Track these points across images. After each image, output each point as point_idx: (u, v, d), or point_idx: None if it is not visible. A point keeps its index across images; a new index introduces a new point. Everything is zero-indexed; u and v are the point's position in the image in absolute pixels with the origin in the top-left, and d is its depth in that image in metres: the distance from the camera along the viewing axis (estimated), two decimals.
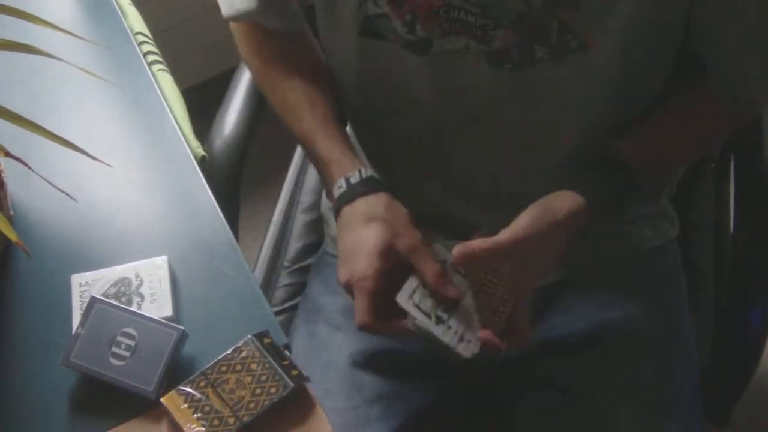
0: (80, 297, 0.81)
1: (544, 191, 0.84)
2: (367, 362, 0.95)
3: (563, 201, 0.82)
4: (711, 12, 0.80)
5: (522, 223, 0.80)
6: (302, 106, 0.92)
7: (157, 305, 0.80)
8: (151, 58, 1.06)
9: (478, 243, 0.77)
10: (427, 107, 0.90)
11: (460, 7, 0.79)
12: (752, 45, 0.83)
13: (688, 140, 0.92)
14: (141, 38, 1.09)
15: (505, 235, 0.79)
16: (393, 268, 0.81)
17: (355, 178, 0.86)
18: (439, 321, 0.79)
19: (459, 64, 0.84)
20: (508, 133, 0.89)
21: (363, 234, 0.83)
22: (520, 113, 0.87)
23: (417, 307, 0.79)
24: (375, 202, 0.85)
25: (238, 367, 0.75)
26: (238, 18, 0.95)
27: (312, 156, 0.92)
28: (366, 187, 0.86)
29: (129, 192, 0.92)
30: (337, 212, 0.87)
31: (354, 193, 0.86)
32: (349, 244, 0.84)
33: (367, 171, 0.87)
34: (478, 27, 0.80)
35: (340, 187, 0.86)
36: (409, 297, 0.79)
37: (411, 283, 0.80)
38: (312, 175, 1.24)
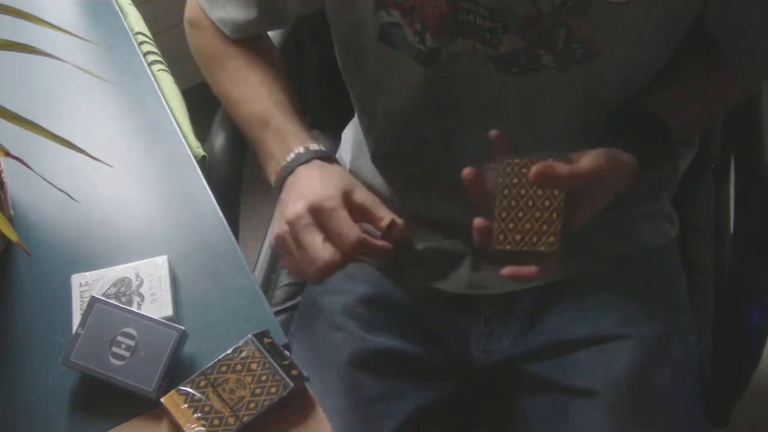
0: (80, 297, 0.81)
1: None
2: (367, 362, 0.95)
3: (625, 155, 0.82)
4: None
5: (599, 157, 0.77)
6: (261, 89, 0.92)
7: (158, 305, 0.80)
8: (151, 58, 1.06)
9: (562, 166, 0.74)
10: (435, 112, 0.90)
11: (468, 9, 0.80)
12: None
13: (713, 95, 0.92)
14: (141, 38, 1.09)
15: (586, 164, 0.76)
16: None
17: (314, 147, 0.87)
18: None
19: (466, 67, 0.84)
20: (513, 137, 0.89)
21: (323, 177, 0.84)
22: (526, 117, 0.87)
23: None
24: (332, 165, 0.87)
25: (239, 367, 0.75)
26: (226, 24, 0.95)
27: (261, 134, 0.90)
28: (324, 155, 0.87)
29: (129, 192, 0.92)
30: (289, 173, 0.86)
31: (311, 155, 0.86)
32: (305, 185, 0.84)
33: (322, 146, 0.88)
34: (486, 30, 0.80)
35: (297, 153, 0.86)
36: None
37: None
38: None
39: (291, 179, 0.86)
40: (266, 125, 0.90)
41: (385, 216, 0.84)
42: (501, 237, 0.77)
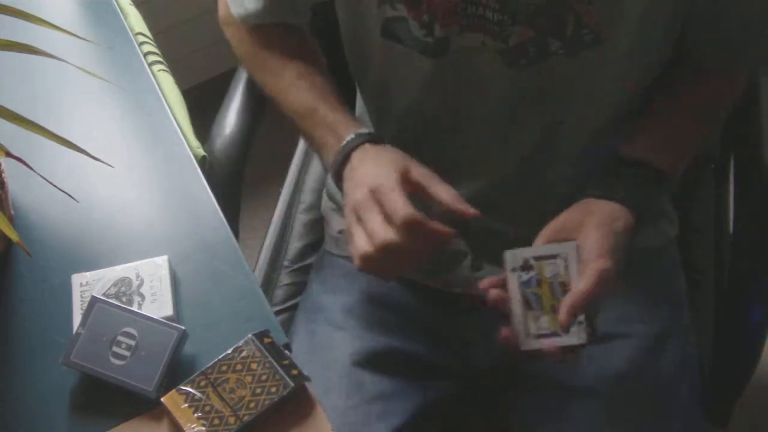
0: (81, 297, 0.81)
1: (557, 191, 0.84)
2: (367, 362, 0.95)
3: (619, 218, 0.82)
4: None
5: (597, 262, 0.78)
6: (300, 81, 0.91)
7: (158, 305, 0.80)
8: (151, 58, 1.06)
9: (575, 301, 0.76)
10: (443, 109, 0.90)
11: (478, 2, 0.80)
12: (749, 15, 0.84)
13: (697, 127, 0.92)
14: (141, 38, 1.09)
15: (588, 282, 0.77)
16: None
17: (363, 131, 0.85)
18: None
19: (475, 62, 0.84)
20: (523, 132, 0.90)
21: (376, 159, 0.82)
22: (535, 110, 0.87)
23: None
24: (384, 146, 0.85)
25: (239, 367, 0.75)
26: (247, 18, 0.94)
27: (311, 125, 0.89)
28: (373, 138, 0.85)
29: (129, 192, 0.92)
30: (343, 161, 0.84)
31: (362, 139, 0.84)
32: (361, 172, 0.82)
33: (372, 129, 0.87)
34: (495, 23, 0.80)
35: (348, 139, 0.85)
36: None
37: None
38: (312, 175, 1.24)
39: (348, 169, 0.84)
40: (312, 116, 0.89)
41: (443, 194, 0.79)
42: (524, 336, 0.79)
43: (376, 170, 0.81)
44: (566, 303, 0.77)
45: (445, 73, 0.86)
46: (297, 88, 0.91)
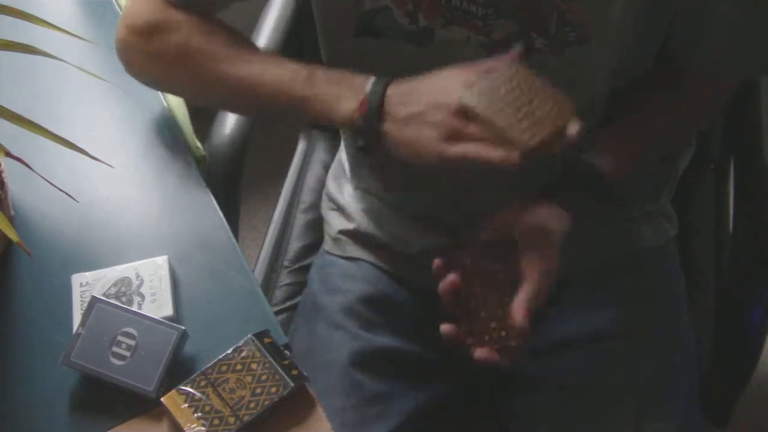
0: (81, 297, 0.81)
1: (543, 184, 0.84)
2: (367, 362, 0.95)
3: (556, 221, 0.84)
4: None
5: (533, 277, 0.81)
6: (272, 57, 0.85)
7: (158, 305, 0.80)
8: None
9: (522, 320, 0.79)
10: None
11: None
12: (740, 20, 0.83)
13: (662, 133, 0.92)
14: None
15: (524, 298, 0.80)
16: None
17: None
18: None
19: (460, 56, 0.83)
20: None
21: (433, 77, 0.78)
22: None
23: None
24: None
25: (239, 367, 0.75)
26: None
27: (309, 88, 0.81)
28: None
29: (129, 192, 0.92)
30: (379, 101, 0.77)
31: (387, 79, 0.79)
32: (425, 87, 0.77)
33: None
34: (480, 17, 0.80)
35: (372, 81, 0.78)
36: None
37: None
38: (312, 174, 1.24)
39: (393, 99, 0.78)
40: (310, 78, 0.81)
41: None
42: (470, 339, 0.83)
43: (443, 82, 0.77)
44: (519, 303, 0.79)
45: (429, 63, 0.84)
46: (274, 63, 0.84)
